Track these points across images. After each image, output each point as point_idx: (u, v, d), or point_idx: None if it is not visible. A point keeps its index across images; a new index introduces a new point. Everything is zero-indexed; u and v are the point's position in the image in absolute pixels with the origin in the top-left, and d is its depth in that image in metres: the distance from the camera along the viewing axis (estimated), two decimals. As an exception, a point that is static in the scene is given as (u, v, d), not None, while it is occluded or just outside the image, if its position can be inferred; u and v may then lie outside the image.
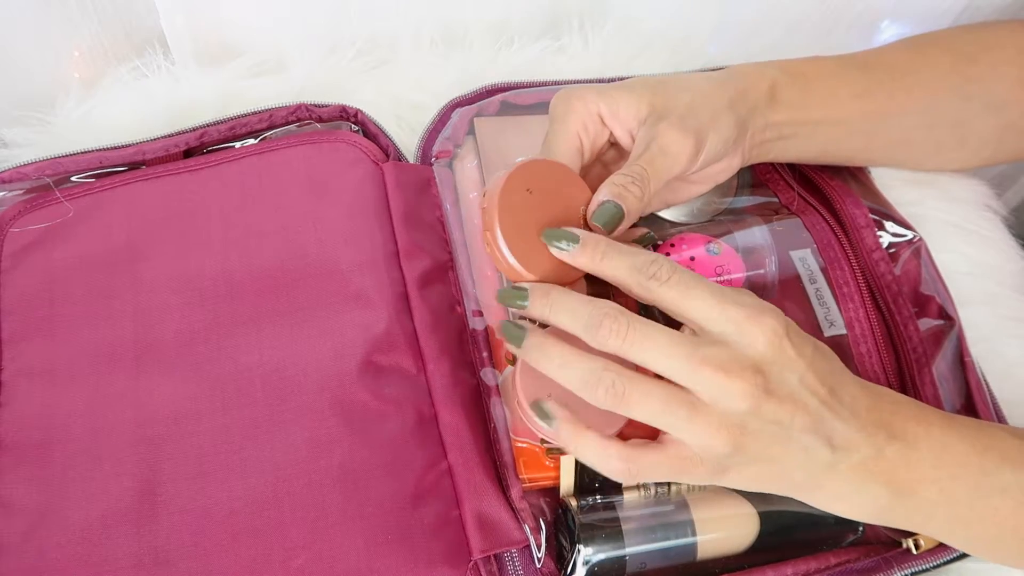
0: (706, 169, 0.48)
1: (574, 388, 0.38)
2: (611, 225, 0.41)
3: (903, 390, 0.49)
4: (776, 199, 0.56)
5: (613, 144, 0.48)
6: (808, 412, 0.37)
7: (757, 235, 0.51)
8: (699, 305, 0.37)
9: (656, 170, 0.42)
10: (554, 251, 0.40)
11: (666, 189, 0.49)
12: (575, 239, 0.39)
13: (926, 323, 0.51)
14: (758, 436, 0.37)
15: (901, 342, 0.50)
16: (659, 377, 0.38)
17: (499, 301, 0.41)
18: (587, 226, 0.42)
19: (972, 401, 0.49)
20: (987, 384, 0.50)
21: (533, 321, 0.41)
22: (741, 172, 0.56)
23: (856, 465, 0.38)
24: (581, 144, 0.45)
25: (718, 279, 0.50)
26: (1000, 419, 0.49)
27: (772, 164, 0.57)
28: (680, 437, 0.37)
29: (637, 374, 0.37)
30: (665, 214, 0.55)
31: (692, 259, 0.50)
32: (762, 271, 0.50)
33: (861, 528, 0.46)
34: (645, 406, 0.37)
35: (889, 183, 0.57)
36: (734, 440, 0.36)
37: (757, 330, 0.37)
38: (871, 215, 0.53)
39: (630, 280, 0.38)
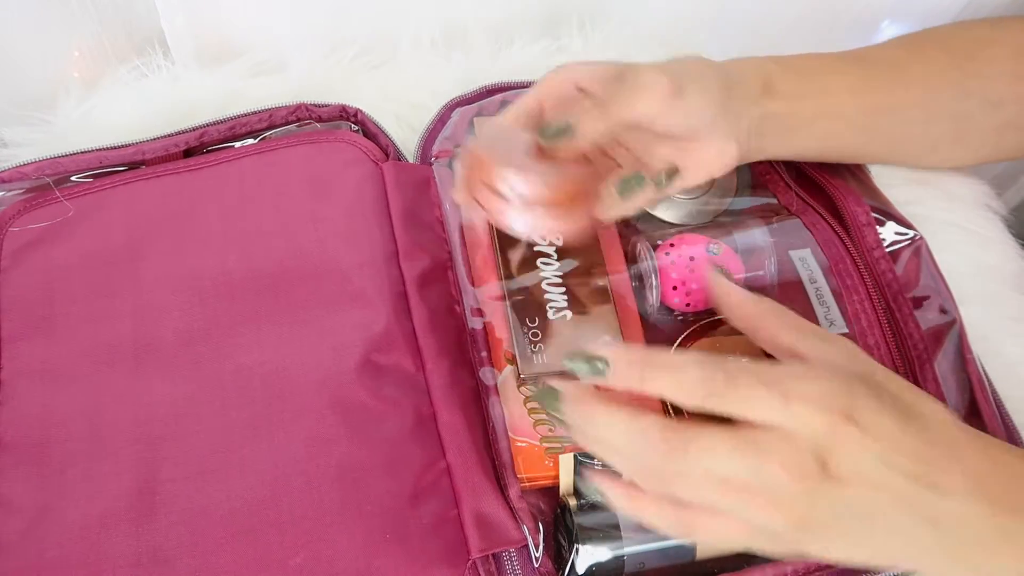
0: (698, 151, 0.46)
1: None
2: (555, 138, 0.41)
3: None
4: (775, 200, 0.56)
5: None
6: (892, 491, 0.34)
7: (757, 236, 0.51)
8: (762, 408, 0.34)
9: (622, 98, 0.42)
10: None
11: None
12: (603, 362, 0.36)
13: (927, 321, 0.51)
14: (826, 518, 0.34)
15: (902, 340, 0.50)
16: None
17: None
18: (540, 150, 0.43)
19: (974, 399, 0.49)
20: (989, 381, 0.50)
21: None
22: (740, 172, 0.56)
23: (972, 543, 0.35)
24: (541, 108, 0.46)
25: (718, 279, 0.50)
26: (1002, 415, 0.49)
27: (772, 165, 0.56)
28: (741, 514, 0.35)
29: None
30: (664, 215, 0.55)
31: (692, 259, 0.50)
32: (761, 272, 0.50)
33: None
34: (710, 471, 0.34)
35: (889, 182, 0.57)
36: (795, 517, 0.34)
37: (820, 420, 0.34)
38: (872, 213, 0.53)
39: (683, 400, 0.35)
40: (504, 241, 0.51)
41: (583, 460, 0.45)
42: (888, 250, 0.52)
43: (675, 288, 0.50)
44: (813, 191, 0.55)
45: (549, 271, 0.50)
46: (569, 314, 0.49)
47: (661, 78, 0.42)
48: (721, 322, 0.51)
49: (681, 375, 0.35)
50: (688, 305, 0.50)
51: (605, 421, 0.35)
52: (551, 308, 0.49)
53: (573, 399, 0.36)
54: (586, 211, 0.43)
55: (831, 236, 0.52)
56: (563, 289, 0.50)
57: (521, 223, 0.42)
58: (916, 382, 0.49)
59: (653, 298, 0.50)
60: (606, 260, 0.52)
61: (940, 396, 0.48)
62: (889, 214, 0.54)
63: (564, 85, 0.45)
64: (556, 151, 0.43)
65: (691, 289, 0.50)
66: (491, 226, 0.52)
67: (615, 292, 0.51)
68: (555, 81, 0.45)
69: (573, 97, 0.45)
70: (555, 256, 0.51)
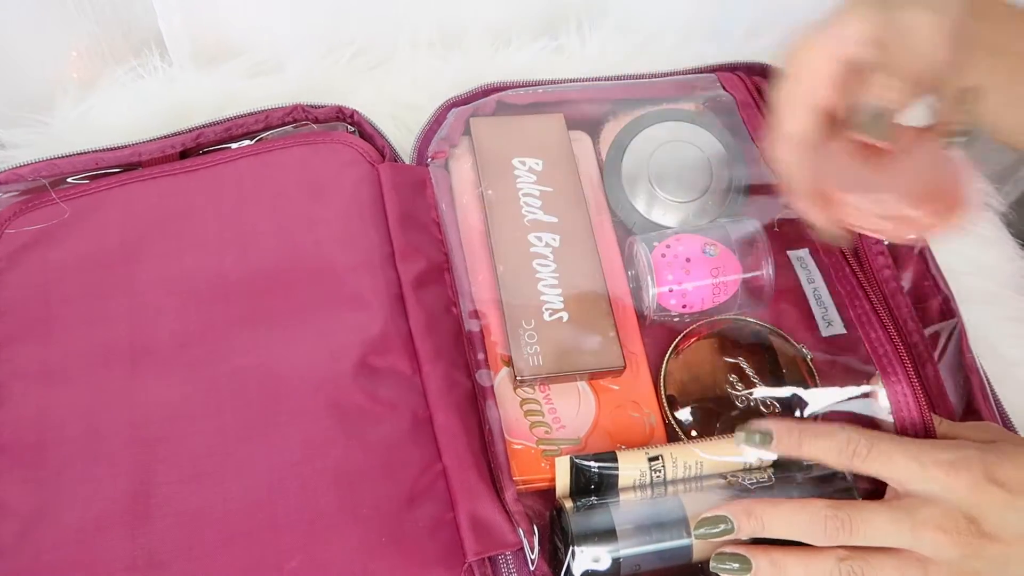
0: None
1: None
2: (874, 129, 0.39)
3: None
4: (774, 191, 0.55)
5: None
6: None
7: (754, 237, 0.51)
8: (902, 471, 0.40)
9: (911, 53, 0.38)
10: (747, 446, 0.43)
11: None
12: (768, 435, 0.42)
13: (927, 321, 0.51)
14: (990, 572, 0.38)
15: (902, 340, 0.50)
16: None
17: (714, 562, 0.41)
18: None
19: (973, 398, 0.49)
20: (989, 381, 0.50)
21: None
22: (736, 182, 0.55)
23: None
24: (820, 105, 0.41)
25: (715, 280, 0.50)
26: (1002, 416, 0.49)
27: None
28: None
29: (867, 555, 0.39)
30: (661, 219, 0.54)
31: (688, 260, 0.50)
32: (759, 272, 0.50)
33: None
34: None
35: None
36: (961, 573, 0.38)
37: (960, 482, 0.38)
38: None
39: (834, 461, 0.41)
40: (500, 243, 0.51)
41: (582, 465, 0.44)
42: (887, 247, 0.52)
43: (671, 290, 0.50)
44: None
45: (545, 272, 0.50)
46: (565, 316, 0.49)
47: (932, 17, 0.38)
48: (718, 323, 0.51)
49: (831, 441, 0.41)
50: (684, 306, 0.50)
51: (781, 516, 0.40)
52: (547, 310, 0.49)
53: (744, 513, 0.41)
54: (953, 192, 0.40)
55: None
56: (559, 291, 0.50)
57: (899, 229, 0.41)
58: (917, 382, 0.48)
59: (649, 299, 0.50)
60: (602, 261, 0.51)
61: (941, 396, 0.48)
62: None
63: (829, 66, 0.40)
64: (877, 141, 0.39)
65: (687, 290, 0.50)
66: (487, 227, 0.52)
67: (611, 293, 0.51)
68: (815, 69, 0.41)
69: (844, 75, 0.40)
70: (551, 257, 0.51)
